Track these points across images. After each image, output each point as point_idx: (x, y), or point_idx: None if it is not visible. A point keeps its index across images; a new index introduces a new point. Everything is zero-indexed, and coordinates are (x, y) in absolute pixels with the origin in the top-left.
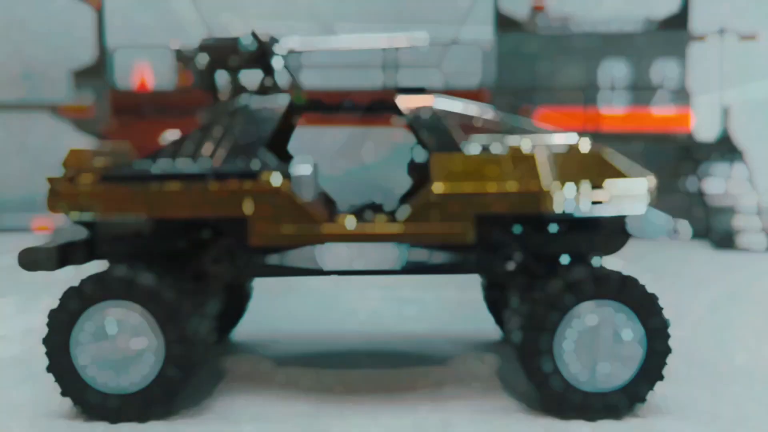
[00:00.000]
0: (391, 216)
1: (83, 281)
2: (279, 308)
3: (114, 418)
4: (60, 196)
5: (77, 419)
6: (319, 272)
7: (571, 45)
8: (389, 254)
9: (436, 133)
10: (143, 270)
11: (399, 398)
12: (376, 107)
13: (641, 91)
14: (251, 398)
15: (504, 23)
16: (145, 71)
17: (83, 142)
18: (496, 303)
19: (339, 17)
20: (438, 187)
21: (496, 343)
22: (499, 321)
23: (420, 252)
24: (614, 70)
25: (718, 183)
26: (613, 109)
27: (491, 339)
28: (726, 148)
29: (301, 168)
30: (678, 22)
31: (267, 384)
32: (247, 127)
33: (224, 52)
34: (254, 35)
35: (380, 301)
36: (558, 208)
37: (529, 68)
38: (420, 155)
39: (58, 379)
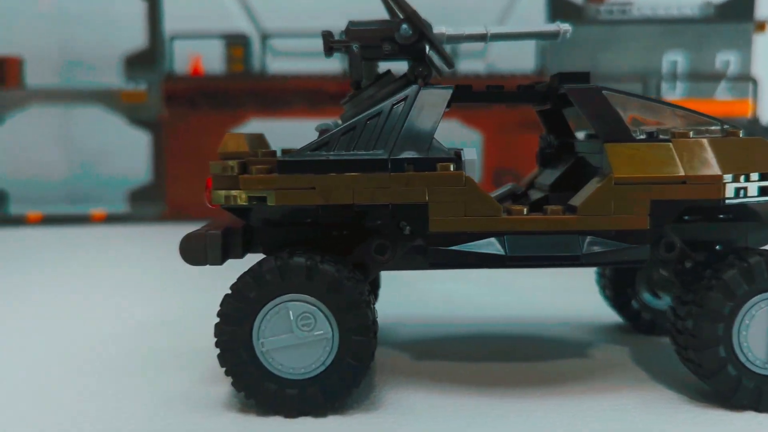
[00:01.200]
0: (554, 204)
1: (262, 270)
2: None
3: (291, 412)
4: (227, 183)
5: (249, 413)
6: (495, 263)
7: (630, 33)
8: (571, 244)
9: (609, 121)
10: (321, 260)
11: (556, 390)
12: (532, 94)
13: (703, 79)
14: (414, 391)
15: (559, 10)
16: (198, 59)
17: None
18: (621, 291)
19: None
20: (619, 174)
21: (618, 331)
22: (624, 310)
23: (596, 242)
24: (675, 59)
25: None
26: (674, 97)
27: (607, 325)
28: None
29: (468, 154)
30: (740, 8)
31: (418, 375)
32: (419, 116)
33: (377, 40)
34: (411, 21)
35: (479, 287)
36: (731, 195)
37: (586, 56)
38: (551, 144)
39: (231, 370)
